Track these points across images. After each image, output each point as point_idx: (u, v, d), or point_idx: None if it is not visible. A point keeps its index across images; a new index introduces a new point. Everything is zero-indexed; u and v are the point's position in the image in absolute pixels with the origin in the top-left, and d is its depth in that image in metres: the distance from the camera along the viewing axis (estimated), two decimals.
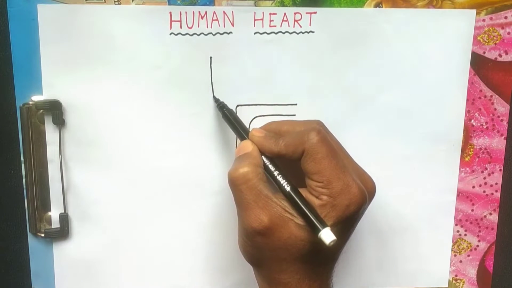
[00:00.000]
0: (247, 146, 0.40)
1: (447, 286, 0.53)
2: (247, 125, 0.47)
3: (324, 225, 0.36)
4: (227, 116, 0.44)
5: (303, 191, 0.38)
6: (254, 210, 0.37)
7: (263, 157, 0.40)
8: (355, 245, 0.51)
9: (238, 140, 0.47)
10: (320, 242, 0.35)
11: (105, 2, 0.44)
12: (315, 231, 0.36)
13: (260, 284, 0.41)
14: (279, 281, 0.39)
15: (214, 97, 0.45)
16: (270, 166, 0.40)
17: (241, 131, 0.43)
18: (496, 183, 0.51)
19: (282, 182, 0.38)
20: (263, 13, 0.45)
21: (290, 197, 0.37)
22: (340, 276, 0.51)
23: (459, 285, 0.53)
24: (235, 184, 0.38)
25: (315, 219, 0.36)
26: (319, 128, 0.39)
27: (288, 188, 0.38)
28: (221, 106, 0.45)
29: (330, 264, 0.41)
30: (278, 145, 0.39)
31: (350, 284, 0.52)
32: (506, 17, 0.47)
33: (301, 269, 0.38)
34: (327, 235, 0.35)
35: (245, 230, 0.38)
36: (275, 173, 0.39)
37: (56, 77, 0.45)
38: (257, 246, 0.38)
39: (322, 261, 0.39)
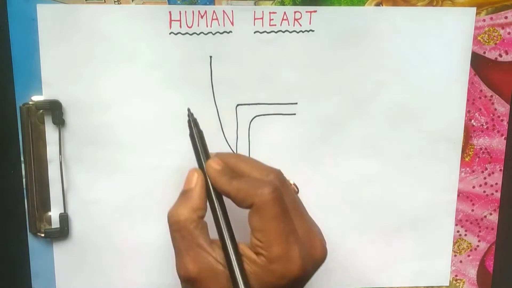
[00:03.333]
0: (192, 180, 0.38)
1: (447, 285, 0.53)
2: (247, 125, 0.47)
3: None
4: (194, 135, 0.40)
5: (242, 244, 0.36)
6: (183, 258, 0.35)
7: (213, 192, 0.37)
8: (355, 244, 0.51)
9: (239, 142, 0.47)
10: None
11: (105, 2, 0.44)
12: None
13: None
14: None
15: (188, 109, 0.41)
16: (217, 206, 0.37)
17: (202, 157, 0.39)
18: (496, 183, 0.51)
19: (223, 230, 0.36)
20: (263, 12, 0.45)
21: (224, 251, 0.35)
22: (340, 275, 0.51)
23: (459, 285, 0.53)
24: (171, 229, 0.37)
25: (243, 285, 0.34)
26: (275, 184, 0.36)
27: (226, 240, 0.36)
28: (195, 123, 0.41)
29: None
30: (230, 186, 0.36)
31: (350, 284, 0.52)
32: (506, 17, 0.47)
33: None
34: None
35: (177, 273, 0.36)
36: (220, 219, 0.37)
37: (56, 77, 0.45)
38: None
39: None
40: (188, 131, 0.40)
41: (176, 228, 0.36)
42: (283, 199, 0.35)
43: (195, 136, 0.40)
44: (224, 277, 0.35)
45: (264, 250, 0.34)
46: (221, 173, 0.37)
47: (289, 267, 0.34)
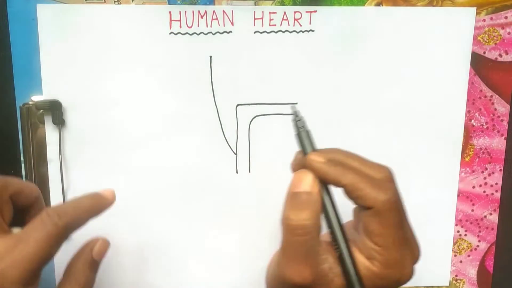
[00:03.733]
0: (308, 183, 0.34)
1: (447, 285, 0.53)
2: (247, 125, 0.47)
3: None
4: (300, 135, 0.37)
5: (352, 246, 0.34)
6: (300, 264, 0.33)
7: (325, 196, 0.35)
8: None
9: (239, 140, 0.47)
10: None
11: (105, 2, 0.44)
12: None
13: None
14: None
15: (293, 107, 0.37)
16: (329, 209, 0.35)
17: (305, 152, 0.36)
18: (496, 183, 0.51)
19: (338, 238, 0.34)
20: (263, 12, 0.45)
21: (341, 260, 0.34)
22: None
23: (459, 285, 0.53)
24: (292, 233, 0.33)
25: None
26: (396, 188, 0.34)
27: (344, 251, 0.34)
28: (301, 123, 0.37)
29: None
30: (346, 178, 0.33)
31: None
32: (506, 17, 0.47)
33: None
34: None
35: (283, 279, 0.33)
36: (333, 223, 0.34)
37: (56, 77, 0.45)
38: None
39: None
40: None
41: (301, 232, 0.33)
42: (402, 204, 0.34)
43: (302, 136, 0.36)
44: (333, 286, 0.34)
45: (380, 254, 0.33)
46: (329, 164, 0.34)
47: (403, 273, 0.34)
